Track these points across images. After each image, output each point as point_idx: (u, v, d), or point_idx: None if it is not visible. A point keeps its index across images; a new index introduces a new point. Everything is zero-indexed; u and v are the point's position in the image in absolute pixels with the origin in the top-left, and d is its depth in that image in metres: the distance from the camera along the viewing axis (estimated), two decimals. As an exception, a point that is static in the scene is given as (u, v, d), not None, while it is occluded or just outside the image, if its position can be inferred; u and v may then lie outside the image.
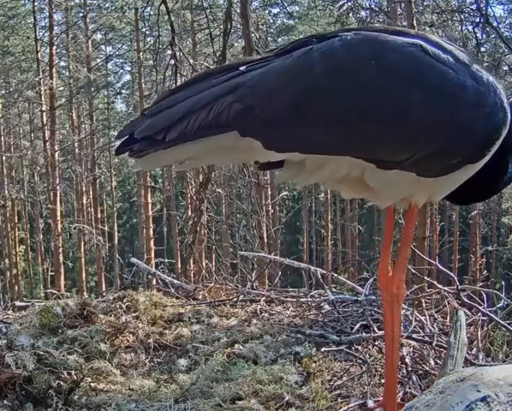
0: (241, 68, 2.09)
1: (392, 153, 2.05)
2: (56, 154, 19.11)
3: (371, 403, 2.53)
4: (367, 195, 2.39)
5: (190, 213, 10.63)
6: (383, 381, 2.74)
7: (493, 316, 3.40)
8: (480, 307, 3.45)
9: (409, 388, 2.72)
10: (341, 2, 13.15)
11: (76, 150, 23.41)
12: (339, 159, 2.14)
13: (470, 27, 10.93)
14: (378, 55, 2.01)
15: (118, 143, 2.12)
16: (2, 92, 23.04)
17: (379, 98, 1.98)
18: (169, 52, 10.04)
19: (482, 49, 12.16)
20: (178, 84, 9.00)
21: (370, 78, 1.98)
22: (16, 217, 23.73)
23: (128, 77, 26.73)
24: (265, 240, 8.95)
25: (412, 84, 1.98)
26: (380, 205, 2.42)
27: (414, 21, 8.71)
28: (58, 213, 18.33)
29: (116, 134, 27.85)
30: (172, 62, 8.88)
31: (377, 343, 3.17)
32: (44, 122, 19.67)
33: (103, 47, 25.80)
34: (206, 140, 2.05)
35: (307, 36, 2.22)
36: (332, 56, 2.03)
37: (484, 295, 3.65)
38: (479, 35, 9.70)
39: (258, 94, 2.02)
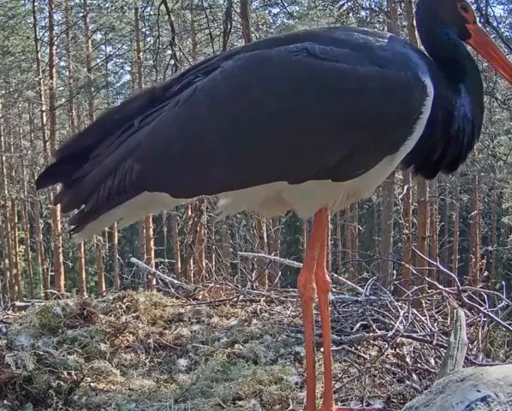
0: (135, 123, 2.13)
1: (300, 169, 1.97)
2: (57, 154, 19.08)
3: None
4: (291, 208, 2.33)
5: (190, 213, 10.63)
6: (383, 381, 2.74)
7: (494, 316, 3.39)
8: (481, 308, 3.45)
9: (409, 387, 2.71)
10: (341, 2, 13.16)
11: (76, 150, 23.34)
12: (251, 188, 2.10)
13: (470, 27, 10.90)
14: (260, 77, 1.95)
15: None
16: (3, 92, 22.99)
17: (273, 121, 1.90)
18: (169, 52, 10.05)
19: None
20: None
21: (258, 104, 1.93)
22: (16, 217, 23.70)
23: (128, 77, 26.75)
24: (265, 240, 8.94)
25: (305, 94, 1.86)
26: (304, 216, 2.40)
27: (414, 21, 8.71)
28: (58, 213, 18.30)
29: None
30: (172, 62, 8.89)
31: (377, 343, 3.16)
32: (44, 122, 19.67)
33: (103, 47, 25.82)
34: (126, 204, 2.15)
35: (196, 65, 2.24)
36: (215, 94, 2.00)
37: (484, 296, 3.64)
38: (479, 35, 9.68)
39: (152, 152, 2.06)
